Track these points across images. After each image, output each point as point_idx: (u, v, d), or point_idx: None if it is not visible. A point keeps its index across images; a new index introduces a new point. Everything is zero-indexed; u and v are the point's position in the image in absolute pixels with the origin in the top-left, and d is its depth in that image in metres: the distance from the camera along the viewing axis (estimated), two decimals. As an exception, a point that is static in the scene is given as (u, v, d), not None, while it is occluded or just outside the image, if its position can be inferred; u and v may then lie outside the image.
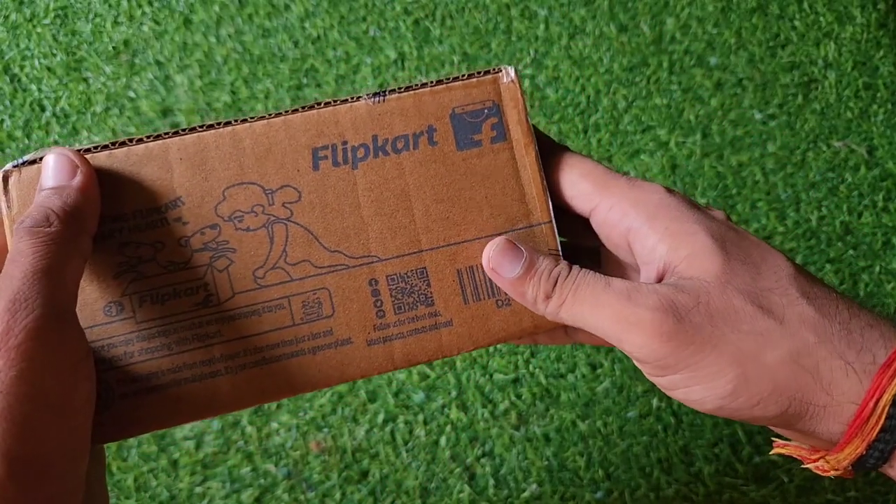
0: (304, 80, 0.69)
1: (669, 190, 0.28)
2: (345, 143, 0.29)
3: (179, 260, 0.28)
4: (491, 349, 0.58)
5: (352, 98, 0.29)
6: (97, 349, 0.28)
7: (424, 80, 0.29)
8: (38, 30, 0.72)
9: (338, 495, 0.53)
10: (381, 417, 0.55)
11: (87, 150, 0.28)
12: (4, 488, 0.21)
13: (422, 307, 0.29)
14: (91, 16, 0.73)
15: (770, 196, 0.64)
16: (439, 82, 0.29)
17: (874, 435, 0.23)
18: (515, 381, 0.57)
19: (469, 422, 0.55)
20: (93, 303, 0.28)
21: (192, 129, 0.28)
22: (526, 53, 0.70)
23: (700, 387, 0.25)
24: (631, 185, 0.28)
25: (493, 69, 0.30)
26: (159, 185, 0.28)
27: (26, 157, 0.27)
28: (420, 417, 0.55)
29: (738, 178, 0.64)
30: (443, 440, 0.54)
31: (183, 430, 0.55)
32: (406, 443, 0.54)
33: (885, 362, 0.23)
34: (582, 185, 0.29)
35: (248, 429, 0.55)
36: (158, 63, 0.70)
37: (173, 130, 0.28)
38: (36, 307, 0.23)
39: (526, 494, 0.53)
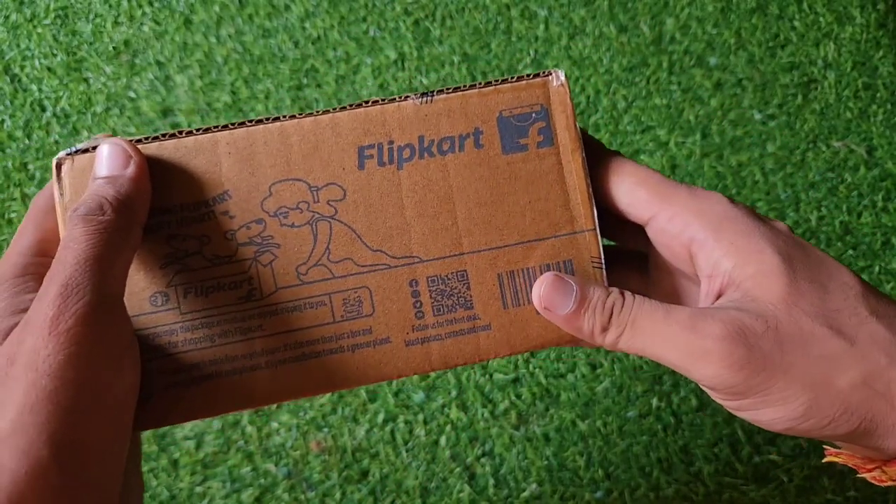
0: (305, 81, 0.69)
1: (732, 201, 0.28)
2: (391, 142, 0.29)
3: (224, 254, 0.28)
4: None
5: (399, 97, 0.29)
6: (142, 338, 0.28)
7: (473, 82, 0.29)
8: (39, 30, 0.72)
9: (338, 495, 0.53)
10: (381, 417, 0.55)
11: (139, 141, 0.28)
12: (48, 471, 0.21)
13: (461, 310, 0.29)
14: (91, 16, 0.73)
15: (770, 196, 0.64)
16: (487, 84, 0.29)
17: None
18: (515, 380, 0.57)
19: (469, 421, 0.55)
20: (139, 292, 0.28)
21: (241, 124, 0.28)
22: (526, 54, 0.70)
23: (771, 409, 0.25)
24: (692, 195, 0.27)
25: (543, 72, 0.29)
26: (207, 178, 0.28)
27: (79, 146, 0.28)
28: (420, 417, 0.55)
29: (738, 179, 0.64)
30: (443, 440, 0.54)
31: (183, 430, 0.55)
32: (406, 442, 0.54)
33: None
34: (639, 192, 0.28)
35: (249, 428, 0.55)
36: (159, 63, 0.70)
37: (222, 124, 0.28)
38: (86, 293, 0.23)
39: (526, 494, 0.53)
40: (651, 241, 0.29)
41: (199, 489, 0.53)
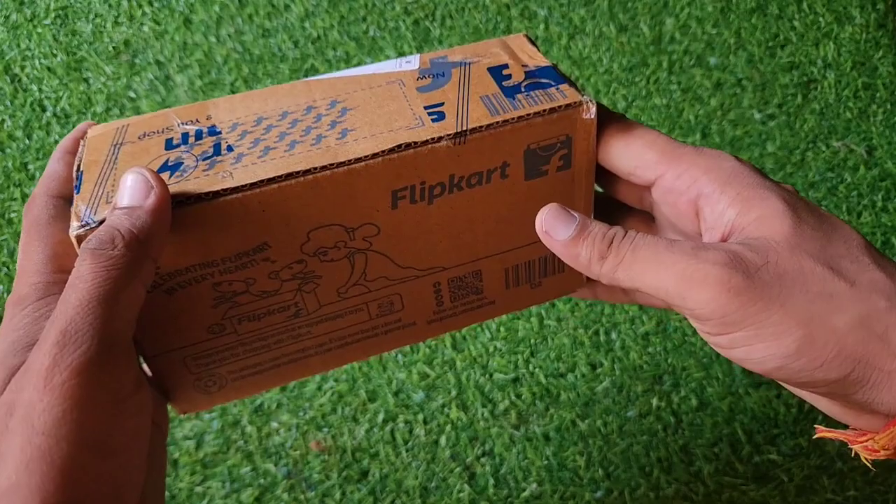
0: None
1: (739, 159, 0.28)
2: (423, 183, 0.29)
3: (271, 289, 0.29)
4: (491, 349, 0.58)
5: (432, 139, 0.28)
6: (205, 353, 0.30)
7: (505, 116, 0.28)
8: (39, 30, 0.72)
9: (338, 495, 0.53)
10: (381, 417, 0.55)
11: (180, 204, 0.26)
12: None
13: (472, 296, 0.34)
14: (91, 16, 0.73)
15: (769, 196, 0.64)
16: (520, 119, 0.28)
17: None
18: (515, 380, 0.57)
19: (469, 421, 0.55)
20: (194, 326, 0.29)
21: (272, 180, 0.26)
22: (526, 54, 0.70)
23: (763, 345, 0.24)
24: (700, 153, 0.28)
25: (574, 102, 0.29)
26: (246, 232, 0.27)
27: (97, 218, 0.26)
28: (420, 417, 0.55)
29: (738, 178, 0.64)
30: (443, 440, 0.54)
31: (183, 430, 0.55)
32: (406, 442, 0.54)
33: None
34: (647, 154, 0.28)
35: (248, 428, 0.55)
36: (159, 63, 0.70)
37: (251, 182, 0.26)
38: (86, 340, 0.22)
39: (526, 494, 0.53)
40: (656, 204, 0.30)
41: (198, 489, 0.53)
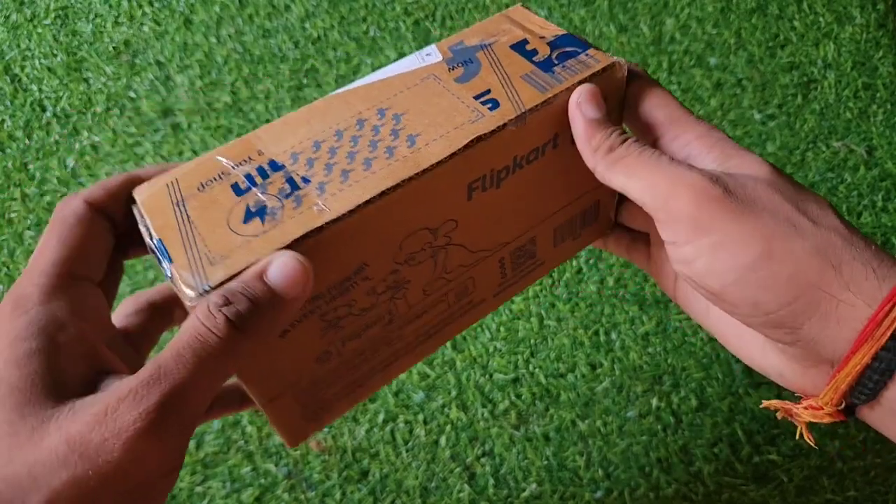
0: (305, 81, 0.69)
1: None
2: (492, 170, 0.29)
3: (369, 305, 0.30)
4: (491, 349, 0.58)
5: (499, 127, 0.28)
6: (314, 383, 0.31)
7: (555, 91, 0.29)
8: (39, 30, 0.72)
9: (338, 495, 0.53)
10: (381, 417, 0.55)
11: (289, 247, 0.25)
12: None
13: (529, 261, 0.36)
14: (92, 16, 0.73)
15: (769, 196, 0.64)
16: (568, 90, 0.29)
17: (884, 342, 0.23)
18: (515, 380, 0.57)
19: (469, 421, 0.55)
20: (305, 359, 0.29)
21: (368, 203, 0.26)
22: (526, 54, 0.70)
23: (726, 254, 0.25)
24: (697, 123, 0.30)
25: (609, 65, 0.30)
26: (346, 258, 0.27)
27: (212, 282, 0.24)
28: (420, 417, 0.55)
29: (738, 179, 0.64)
30: (443, 440, 0.54)
31: (183, 430, 0.55)
32: (406, 442, 0.54)
33: None
34: (655, 113, 0.30)
35: (249, 428, 0.55)
36: (159, 63, 0.70)
37: (349, 210, 0.26)
38: (186, 414, 0.22)
39: (526, 494, 0.53)
40: None
41: (199, 489, 0.53)
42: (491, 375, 0.57)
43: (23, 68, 0.71)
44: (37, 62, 0.71)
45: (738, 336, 0.31)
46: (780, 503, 0.52)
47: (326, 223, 0.25)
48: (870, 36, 0.69)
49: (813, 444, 0.29)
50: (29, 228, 0.63)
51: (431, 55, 0.32)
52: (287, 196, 0.26)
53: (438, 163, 0.27)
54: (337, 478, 0.53)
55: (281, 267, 0.24)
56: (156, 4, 0.73)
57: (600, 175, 0.29)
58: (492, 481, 0.53)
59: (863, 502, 0.53)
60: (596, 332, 0.58)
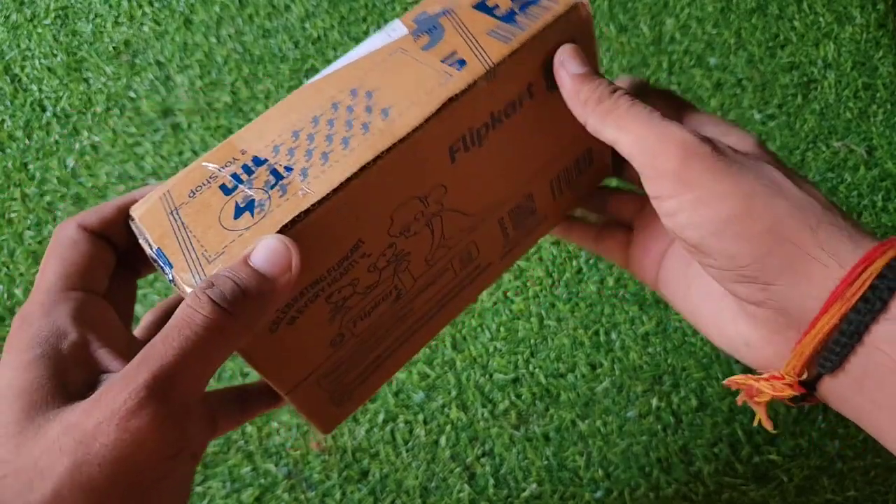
0: (305, 81, 0.69)
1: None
2: (470, 129, 0.30)
3: (372, 282, 0.30)
4: (491, 349, 0.58)
5: (469, 85, 0.28)
6: (334, 368, 0.31)
7: (520, 40, 0.29)
8: (39, 30, 0.72)
9: (338, 495, 0.53)
10: (381, 417, 0.55)
11: (284, 229, 0.26)
12: None
13: (529, 217, 0.36)
14: (92, 16, 0.73)
15: (769, 196, 0.64)
16: (534, 38, 0.29)
17: (853, 302, 0.24)
18: (515, 380, 0.57)
19: (469, 421, 0.55)
20: (320, 345, 0.30)
21: (350, 180, 0.26)
22: (526, 54, 0.70)
23: (706, 209, 0.26)
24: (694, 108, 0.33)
25: (571, 6, 0.30)
26: (340, 238, 0.28)
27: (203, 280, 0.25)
28: (420, 417, 0.55)
29: (738, 179, 0.64)
30: (443, 440, 0.54)
31: (183, 430, 0.55)
32: (406, 442, 0.54)
33: (879, 244, 0.24)
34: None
35: (249, 428, 0.55)
36: (159, 63, 0.70)
37: (332, 189, 0.26)
38: (175, 395, 0.22)
39: (526, 494, 0.53)
40: None
41: (199, 489, 0.53)
42: (491, 375, 0.57)
43: (23, 68, 0.71)
44: (37, 62, 0.71)
45: (713, 311, 0.31)
46: (779, 503, 0.52)
47: (312, 205, 0.26)
48: (870, 36, 0.69)
49: (771, 430, 0.29)
50: (29, 228, 0.63)
51: (396, 30, 0.32)
52: (272, 187, 0.27)
53: (414, 129, 0.27)
54: (337, 478, 0.53)
55: (263, 250, 0.24)
56: (156, 4, 0.73)
57: (592, 128, 0.29)
58: (492, 481, 0.53)
59: (863, 502, 0.53)
60: (596, 332, 0.58)
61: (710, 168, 0.26)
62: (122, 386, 0.22)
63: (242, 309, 0.23)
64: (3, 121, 0.68)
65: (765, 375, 0.27)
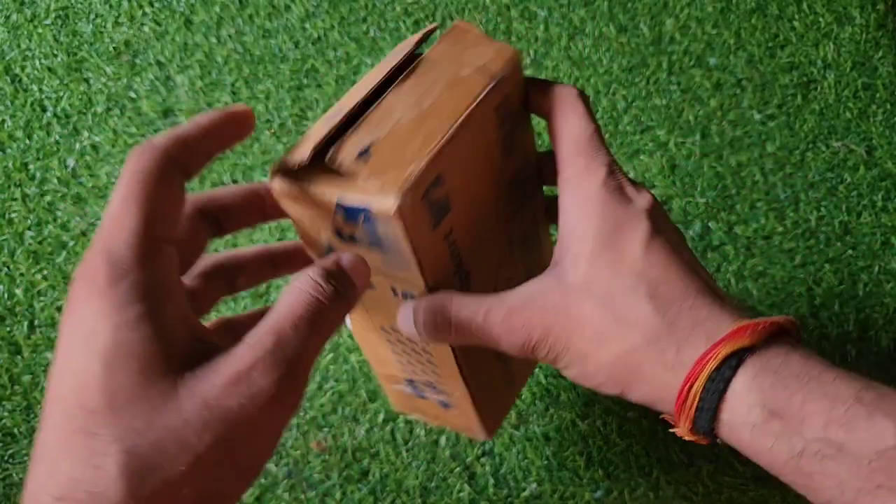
0: (305, 81, 0.69)
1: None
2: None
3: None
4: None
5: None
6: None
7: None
8: (39, 30, 0.72)
9: (338, 494, 0.53)
10: (381, 417, 0.55)
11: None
12: None
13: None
14: (92, 16, 0.73)
15: (769, 196, 0.64)
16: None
17: (692, 414, 0.26)
18: (515, 380, 0.57)
19: (469, 421, 0.55)
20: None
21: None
22: (526, 54, 0.70)
23: (567, 371, 0.30)
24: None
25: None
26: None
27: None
28: (420, 417, 0.55)
29: (738, 179, 0.64)
30: (443, 439, 0.54)
31: (183, 430, 0.55)
32: (406, 442, 0.54)
33: (697, 359, 0.26)
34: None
35: (249, 428, 0.55)
36: (159, 63, 0.71)
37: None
38: (296, 385, 0.25)
39: (526, 493, 0.53)
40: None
41: (199, 489, 0.53)
42: (491, 375, 0.57)
43: (23, 68, 0.71)
44: (37, 62, 0.71)
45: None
46: (780, 503, 0.52)
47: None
48: (869, 36, 0.69)
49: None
50: (29, 228, 0.63)
51: None
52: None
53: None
54: (337, 477, 0.53)
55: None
56: (156, 5, 0.73)
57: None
58: (492, 481, 0.53)
59: (863, 502, 0.53)
60: (596, 332, 0.58)
61: (544, 344, 0.30)
62: (264, 371, 0.23)
63: (353, 294, 0.27)
64: (4, 121, 0.68)
65: (677, 427, 0.29)
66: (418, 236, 0.28)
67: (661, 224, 0.30)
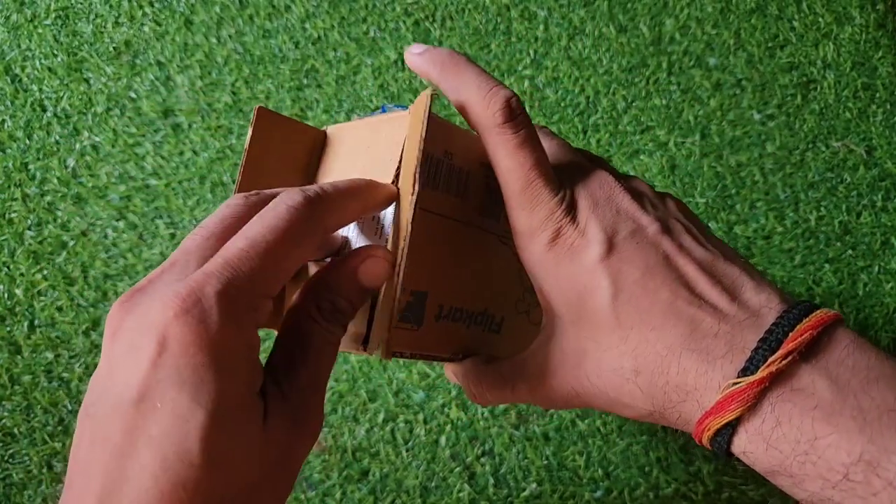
0: (305, 81, 0.69)
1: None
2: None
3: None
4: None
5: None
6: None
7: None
8: (39, 30, 0.73)
9: (338, 494, 0.53)
10: (381, 417, 0.55)
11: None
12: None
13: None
14: (92, 16, 0.73)
15: (769, 196, 0.64)
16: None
17: (713, 433, 0.27)
18: (515, 380, 0.57)
19: (469, 421, 0.55)
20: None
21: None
22: (525, 54, 0.70)
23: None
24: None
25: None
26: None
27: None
28: (420, 417, 0.55)
29: (737, 179, 0.64)
30: (443, 439, 0.54)
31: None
32: (406, 442, 0.54)
33: (696, 422, 0.27)
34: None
35: (249, 428, 0.55)
36: (159, 64, 0.71)
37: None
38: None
39: (525, 493, 0.53)
40: None
41: (199, 489, 0.53)
42: (491, 375, 0.57)
43: (23, 68, 0.71)
44: (37, 62, 0.71)
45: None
46: (779, 503, 0.52)
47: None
48: (869, 36, 0.69)
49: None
50: (29, 228, 0.63)
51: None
52: None
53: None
54: (337, 477, 0.53)
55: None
56: (156, 5, 0.73)
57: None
58: (492, 481, 0.53)
59: (862, 502, 0.53)
60: (596, 332, 0.58)
61: (541, 398, 0.32)
62: (316, 422, 0.30)
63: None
64: (4, 121, 0.68)
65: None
66: (424, 356, 0.32)
67: (624, 268, 0.27)
